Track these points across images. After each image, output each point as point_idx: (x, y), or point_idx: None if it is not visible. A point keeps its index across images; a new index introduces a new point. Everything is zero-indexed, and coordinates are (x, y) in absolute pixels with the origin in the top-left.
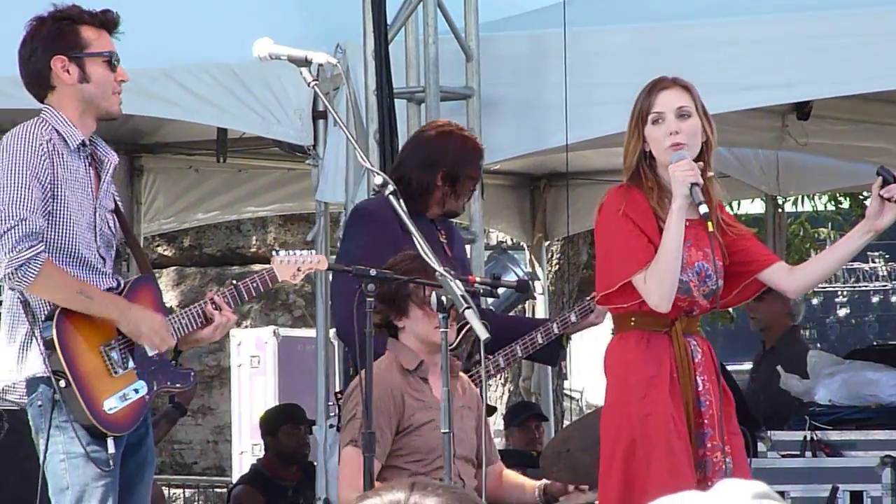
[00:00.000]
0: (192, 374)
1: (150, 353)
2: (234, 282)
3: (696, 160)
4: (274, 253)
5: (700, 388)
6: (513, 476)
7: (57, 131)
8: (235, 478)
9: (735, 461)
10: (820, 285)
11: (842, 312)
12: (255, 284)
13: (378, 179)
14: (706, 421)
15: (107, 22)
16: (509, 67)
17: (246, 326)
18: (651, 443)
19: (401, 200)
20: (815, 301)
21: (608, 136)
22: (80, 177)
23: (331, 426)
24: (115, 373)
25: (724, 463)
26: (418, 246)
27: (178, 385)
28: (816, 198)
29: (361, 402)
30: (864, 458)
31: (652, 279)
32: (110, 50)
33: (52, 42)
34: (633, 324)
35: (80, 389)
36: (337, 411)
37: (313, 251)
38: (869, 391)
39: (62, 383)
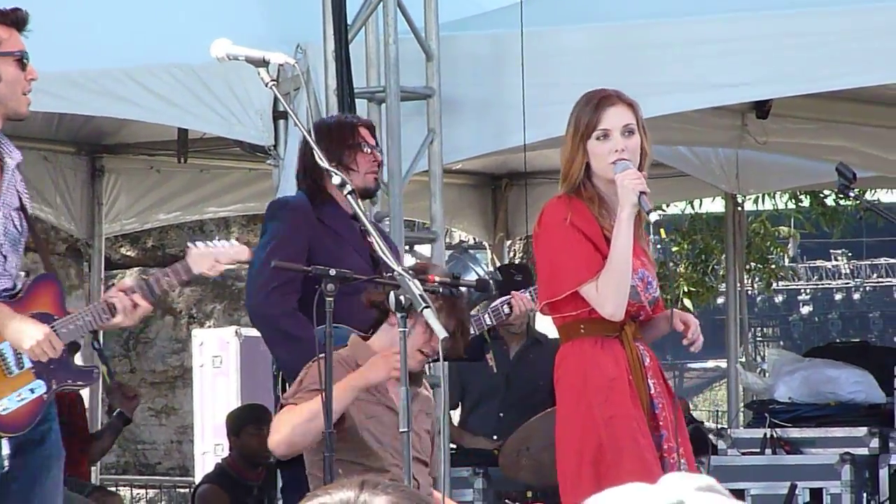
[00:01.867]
0: (95, 371)
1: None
2: (144, 277)
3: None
4: (189, 244)
5: (652, 392)
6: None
7: None
8: (199, 478)
9: (689, 464)
10: (782, 283)
11: (805, 310)
12: (167, 278)
13: (336, 179)
14: (661, 423)
15: (17, 20)
16: (470, 67)
17: (208, 326)
18: (618, 445)
19: (358, 200)
20: (777, 299)
21: None
22: None
23: None
24: (10, 373)
25: (679, 464)
26: (375, 244)
27: (79, 382)
28: (777, 196)
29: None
30: (823, 456)
31: (606, 287)
32: (21, 49)
33: None
34: (583, 331)
35: None
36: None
37: (233, 241)
38: (829, 388)
39: None
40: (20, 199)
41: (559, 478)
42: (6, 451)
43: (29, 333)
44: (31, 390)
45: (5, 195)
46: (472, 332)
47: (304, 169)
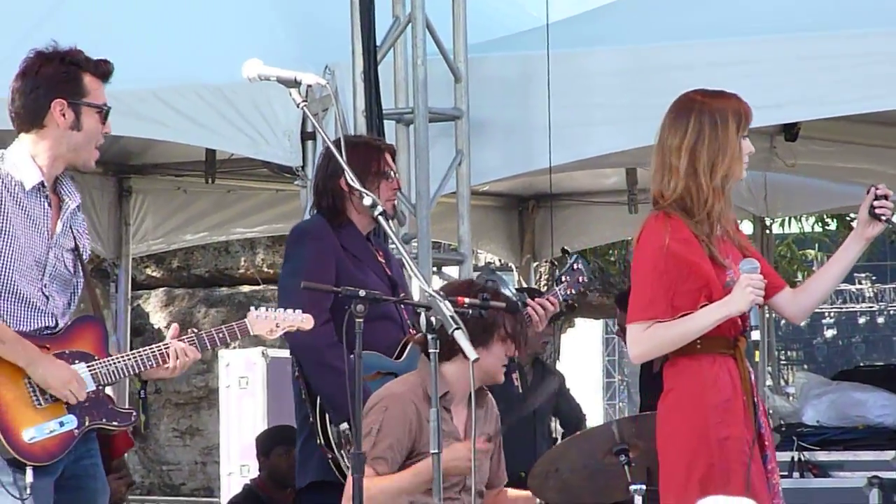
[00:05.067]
0: (133, 415)
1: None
2: (195, 331)
3: None
4: (252, 308)
5: (759, 410)
6: (514, 495)
7: (16, 169)
8: (223, 499)
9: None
10: None
11: (829, 333)
12: (220, 335)
13: (367, 200)
14: (767, 443)
15: (106, 73)
16: (498, 89)
17: (234, 347)
18: (729, 467)
19: (390, 221)
20: (802, 322)
21: (596, 158)
22: (36, 215)
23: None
24: (39, 404)
25: (780, 485)
26: (406, 264)
27: (114, 423)
28: (803, 219)
29: (378, 422)
30: (851, 479)
31: (652, 342)
32: (105, 102)
33: (56, 83)
34: (699, 347)
35: None
36: (304, 435)
37: (299, 311)
38: (857, 412)
39: None
40: (76, 241)
41: (661, 493)
42: (30, 479)
43: (54, 374)
44: (61, 423)
45: (60, 236)
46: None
47: (325, 189)
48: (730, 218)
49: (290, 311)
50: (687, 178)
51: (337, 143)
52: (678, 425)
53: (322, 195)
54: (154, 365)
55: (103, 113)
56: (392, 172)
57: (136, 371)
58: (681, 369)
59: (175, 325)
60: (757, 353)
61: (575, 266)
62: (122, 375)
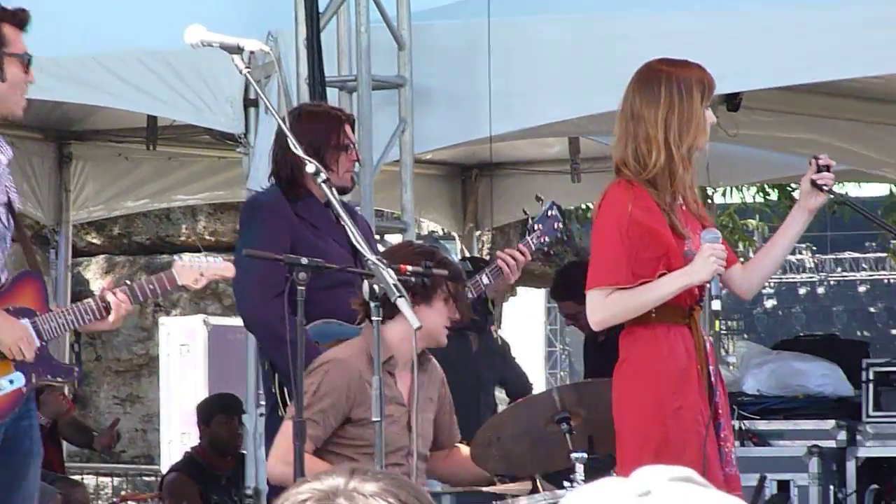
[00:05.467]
0: (75, 369)
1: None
2: (128, 282)
3: None
4: (176, 257)
5: (712, 379)
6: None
7: None
8: (164, 466)
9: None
10: None
11: (769, 304)
12: (151, 286)
13: (310, 168)
14: (720, 412)
15: (24, 21)
16: (441, 57)
17: (175, 315)
18: (683, 437)
19: (333, 189)
20: (750, 297)
21: (538, 127)
22: None
23: (260, 415)
24: None
25: (733, 453)
26: (349, 233)
27: (59, 378)
28: (745, 189)
29: (316, 384)
30: (791, 448)
31: (614, 308)
32: (25, 50)
33: None
34: (654, 316)
35: None
36: (266, 405)
37: (220, 258)
38: (797, 381)
39: None
40: (8, 195)
41: (618, 462)
42: None
43: (7, 330)
44: (11, 381)
45: None
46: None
47: (283, 160)
48: (690, 188)
49: (213, 259)
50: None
51: (292, 111)
52: (633, 394)
53: (281, 165)
54: (93, 319)
55: (25, 62)
56: (351, 144)
57: (79, 325)
58: (636, 338)
59: (108, 279)
60: (717, 322)
61: (549, 213)
62: (63, 330)
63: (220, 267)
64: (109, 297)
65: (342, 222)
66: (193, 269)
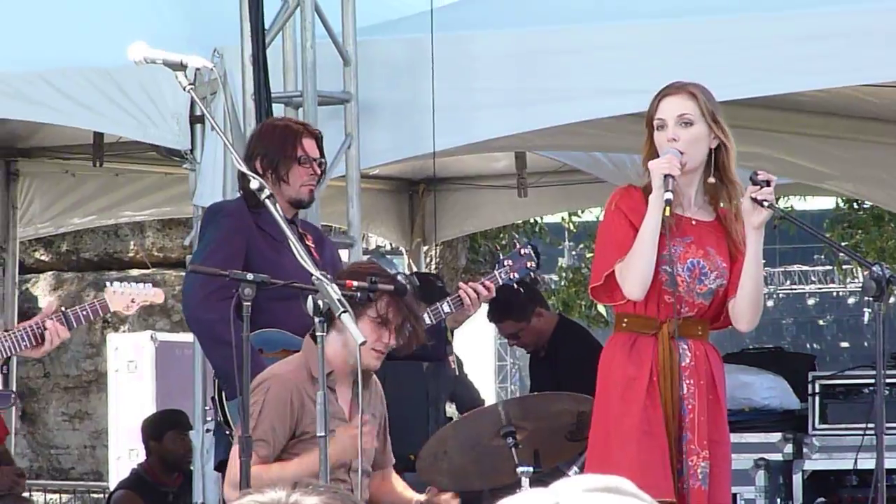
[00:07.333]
0: (12, 396)
1: None
2: (63, 309)
3: (709, 165)
4: (108, 284)
5: (684, 392)
6: (399, 486)
7: None
8: (112, 483)
9: (715, 469)
10: None
11: None
12: (84, 313)
13: (255, 184)
14: (686, 425)
15: None
16: (387, 72)
17: (123, 331)
18: (623, 440)
19: (277, 205)
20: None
21: (482, 142)
22: None
23: (207, 430)
24: None
25: (700, 467)
26: (293, 248)
27: None
28: None
29: (259, 403)
30: (738, 461)
31: (626, 266)
32: None
33: None
34: (624, 325)
35: None
36: (214, 416)
37: (149, 285)
38: (743, 394)
39: None
40: None
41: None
42: None
43: None
44: None
45: None
46: (425, 325)
47: (241, 172)
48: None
49: (142, 285)
50: None
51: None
52: (597, 394)
53: (241, 178)
54: (29, 346)
55: None
56: (309, 157)
57: (14, 352)
58: (608, 344)
59: (50, 301)
60: (668, 208)
61: (522, 251)
62: (7, 353)
63: (150, 293)
64: (48, 324)
65: (290, 241)
66: (125, 295)
